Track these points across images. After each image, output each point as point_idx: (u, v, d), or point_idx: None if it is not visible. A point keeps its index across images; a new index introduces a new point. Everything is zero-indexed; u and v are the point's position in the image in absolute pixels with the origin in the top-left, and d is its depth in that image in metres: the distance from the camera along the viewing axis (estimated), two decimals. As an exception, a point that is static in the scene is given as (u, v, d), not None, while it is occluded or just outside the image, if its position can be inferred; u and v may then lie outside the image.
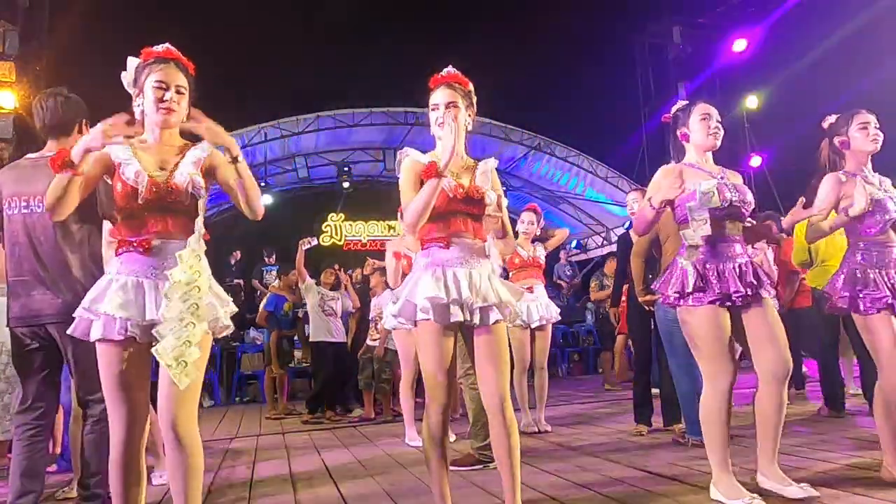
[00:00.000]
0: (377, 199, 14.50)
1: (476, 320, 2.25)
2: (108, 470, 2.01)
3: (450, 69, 2.41)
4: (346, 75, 16.50)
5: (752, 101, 13.36)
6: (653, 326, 4.29)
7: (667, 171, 2.67)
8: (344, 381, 6.69)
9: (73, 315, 2.03)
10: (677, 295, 2.55)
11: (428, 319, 2.22)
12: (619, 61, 16.14)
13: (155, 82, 2.05)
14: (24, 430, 2.60)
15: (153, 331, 1.95)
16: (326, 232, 14.55)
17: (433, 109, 2.37)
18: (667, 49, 14.45)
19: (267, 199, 12.00)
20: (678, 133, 2.75)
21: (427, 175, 2.17)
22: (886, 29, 10.45)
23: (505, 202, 2.41)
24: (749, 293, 2.51)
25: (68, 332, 2.07)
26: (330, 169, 14.21)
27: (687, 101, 2.77)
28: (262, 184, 12.24)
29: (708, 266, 2.52)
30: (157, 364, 1.98)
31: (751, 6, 12.88)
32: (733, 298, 2.49)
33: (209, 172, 2.13)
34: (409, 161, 2.34)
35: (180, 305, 1.93)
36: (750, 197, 2.63)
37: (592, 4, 16.44)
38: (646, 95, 14.91)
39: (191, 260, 1.97)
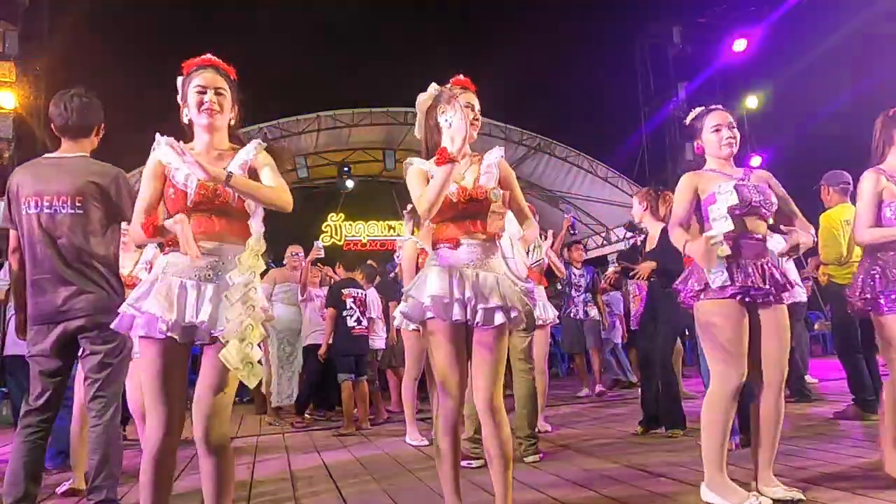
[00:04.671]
0: (377, 199, 14.50)
1: (478, 320, 2.24)
2: (140, 469, 2.00)
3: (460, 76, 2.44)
4: (346, 75, 16.51)
5: (752, 101, 13.34)
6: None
7: (685, 180, 2.66)
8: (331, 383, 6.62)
9: (103, 311, 2.03)
10: (698, 290, 2.54)
11: (433, 318, 2.25)
12: (619, 61, 16.15)
13: (194, 87, 2.12)
14: (31, 432, 2.60)
15: (220, 336, 1.97)
16: (326, 232, 14.55)
17: (468, 106, 2.33)
18: (667, 49, 14.44)
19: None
20: (694, 145, 2.76)
21: (440, 161, 2.15)
22: (886, 28, 10.45)
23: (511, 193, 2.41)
24: (771, 292, 2.49)
25: (112, 325, 2.10)
26: (330, 169, 14.21)
27: (702, 109, 2.73)
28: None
29: (730, 261, 2.49)
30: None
31: (751, 6, 12.87)
32: (752, 294, 2.48)
33: (251, 173, 2.16)
34: (415, 167, 2.36)
35: (240, 308, 1.96)
36: (773, 197, 2.60)
37: (592, 4, 16.47)
38: (646, 95, 14.91)
39: (250, 261, 2.00)
